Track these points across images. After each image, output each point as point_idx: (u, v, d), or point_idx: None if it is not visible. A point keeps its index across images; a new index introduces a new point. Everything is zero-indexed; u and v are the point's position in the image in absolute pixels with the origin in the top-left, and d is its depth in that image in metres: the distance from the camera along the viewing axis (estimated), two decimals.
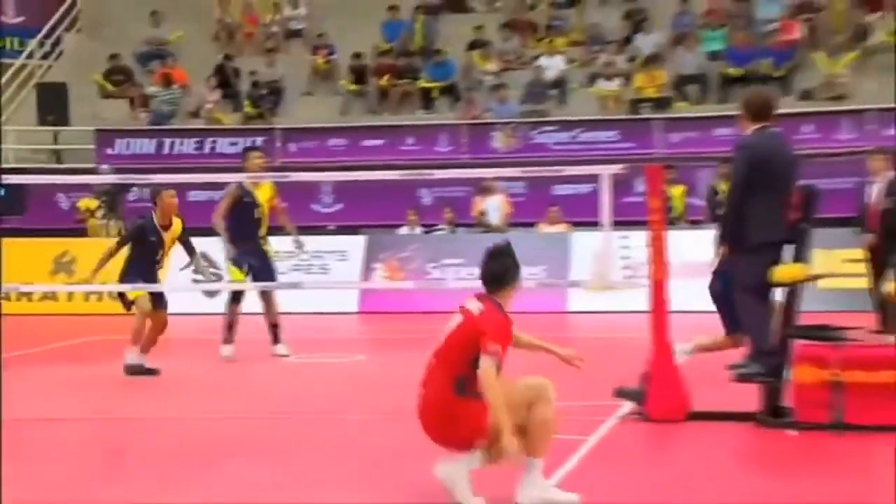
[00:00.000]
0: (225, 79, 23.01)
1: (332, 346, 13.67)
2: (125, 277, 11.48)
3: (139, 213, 19.40)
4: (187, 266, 12.08)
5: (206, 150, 20.89)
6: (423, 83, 22.64)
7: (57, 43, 24.64)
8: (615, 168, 9.52)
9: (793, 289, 8.46)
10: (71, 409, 9.75)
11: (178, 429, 9.02)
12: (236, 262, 12.13)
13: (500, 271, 6.72)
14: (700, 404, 8.63)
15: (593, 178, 17.96)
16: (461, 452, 6.43)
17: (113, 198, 19.31)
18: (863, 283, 12.92)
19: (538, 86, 21.95)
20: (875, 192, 12.65)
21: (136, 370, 11.27)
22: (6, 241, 18.12)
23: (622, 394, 8.94)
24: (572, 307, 16.44)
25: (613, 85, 21.83)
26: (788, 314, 8.48)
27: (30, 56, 24.07)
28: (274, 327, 12.35)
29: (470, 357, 6.46)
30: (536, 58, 22.56)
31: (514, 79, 22.36)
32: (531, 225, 18.70)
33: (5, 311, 16.11)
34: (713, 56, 22.03)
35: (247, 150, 13.18)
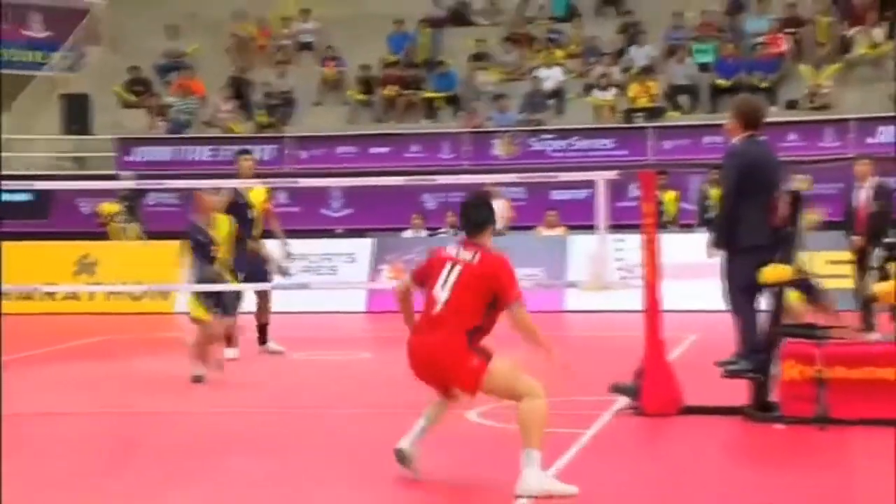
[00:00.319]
0: (239, 90, 23.05)
1: (340, 345, 13.69)
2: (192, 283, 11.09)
3: (158, 217, 19.60)
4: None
5: (220, 157, 20.89)
6: (427, 93, 22.67)
7: (80, 56, 24.63)
8: (610, 174, 9.58)
9: (780, 289, 8.48)
10: (85, 404, 9.74)
11: (187, 423, 9.01)
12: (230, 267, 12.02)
13: (481, 217, 6.79)
14: (692, 399, 8.63)
15: (589, 184, 18.00)
16: (450, 397, 6.71)
17: (132, 202, 19.34)
18: (848, 283, 12.92)
19: (537, 96, 22.00)
20: (862, 196, 12.66)
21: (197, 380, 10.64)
22: (31, 244, 18.17)
23: (617, 389, 8.95)
24: (569, 307, 16.46)
25: (608, 95, 21.85)
26: (776, 313, 8.49)
27: (54, 69, 24.05)
28: (263, 327, 12.25)
29: (483, 305, 6.55)
30: (535, 69, 22.60)
31: (513, 89, 22.40)
32: (530, 228, 18.73)
33: (30, 311, 16.18)
34: (703, 68, 22.05)
35: (238, 153, 13.01)
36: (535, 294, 16.14)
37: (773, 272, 8.30)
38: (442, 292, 6.56)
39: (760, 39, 22.14)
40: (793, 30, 22.10)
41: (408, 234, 18.80)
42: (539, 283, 16.04)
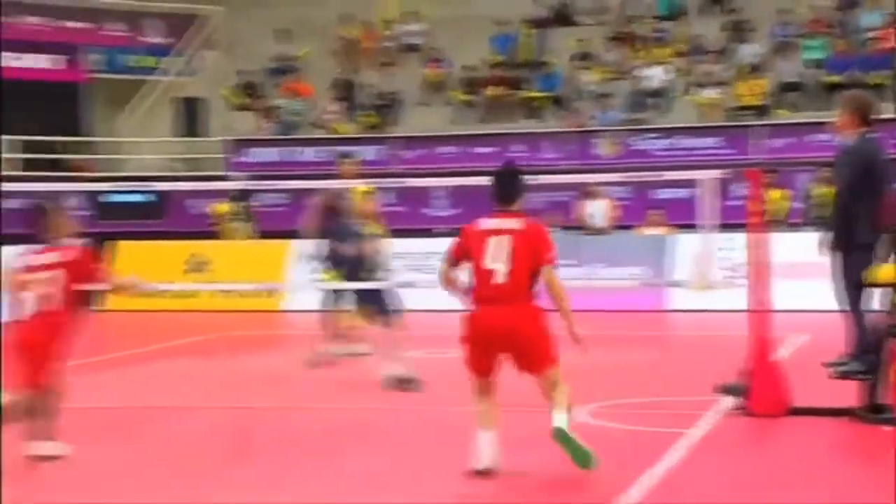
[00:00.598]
0: (345, 91, 23.18)
1: (446, 343, 13.56)
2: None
3: (267, 216, 19.78)
4: None
5: (327, 158, 20.98)
6: (530, 93, 22.54)
7: (192, 61, 24.98)
8: (716, 173, 9.38)
9: (894, 289, 8.18)
10: (198, 399, 9.81)
11: (299, 418, 9.02)
12: (330, 266, 11.99)
13: (516, 188, 7.07)
14: (800, 400, 8.37)
15: (693, 183, 17.74)
16: (544, 368, 6.73)
17: (242, 203, 19.54)
18: None
19: (640, 95, 21.73)
20: None
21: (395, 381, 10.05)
22: (146, 243, 18.45)
23: (724, 389, 8.73)
24: (672, 306, 16.14)
25: (714, 93, 21.48)
26: (888, 313, 8.20)
27: (169, 73, 24.43)
28: (350, 330, 11.89)
29: (535, 270, 6.71)
30: (639, 68, 22.31)
31: (617, 88, 22.15)
32: (633, 227, 18.46)
33: (142, 308, 16.40)
34: (813, 64, 21.52)
35: (341, 156, 12.95)
36: (637, 293, 15.93)
37: (886, 272, 8.02)
38: (496, 264, 6.63)
39: (872, 35, 21.53)
40: None
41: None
42: (641, 282, 15.79)
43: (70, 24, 24.20)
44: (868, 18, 22.02)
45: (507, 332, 6.61)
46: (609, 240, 18.10)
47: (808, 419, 8.24)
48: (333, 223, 11.82)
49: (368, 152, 21.17)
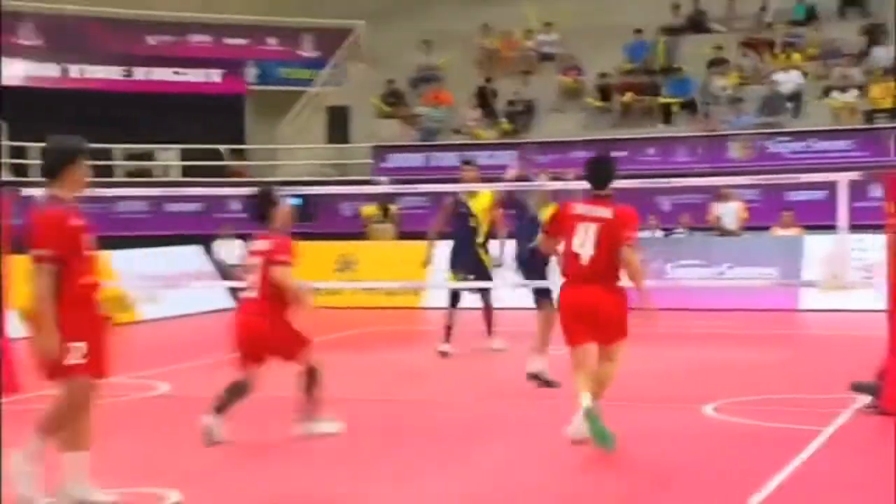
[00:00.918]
0: (484, 99, 23.21)
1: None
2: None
3: (410, 219, 19.91)
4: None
5: None
6: (663, 99, 22.22)
7: (342, 72, 25.31)
8: (852, 175, 9.15)
9: None
10: (350, 391, 9.88)
11: (440, 410, 9.05)
12: (453, 268, 11.96)
13: (607, 173, 7.51)
14: None
15: (826, 185, 17.30)
16: (616, 340, 7.27)
17: (387, 206, 19.70)
18: None
19: (774, 99, 21.21)
20: None
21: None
22: (300, 244, 18.71)
23: (858, 388, 8.46)
24: (804, 306, 15.71)
25: (849, 96, 20.84)
26: None
27: (320, 84, 24.79)
28: (489, 324, 12.06)
29: (619, 252, 7.17)
30: (773, 73, 21.80)
31: (750, 93, 21.67)
32: (765, 229, 18.05)
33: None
34: None
35: (463, 163, 12.90)
36: (770, 293, 15.56)
37: None
38: (583, 248, 7.16)
39: None
40: None
41: (644, 234, 18.42)
42: (774, 282, 15.42)
43: (231, 40, 24.77)
44: None
45: (590, 307, 7.16)
46: (742, 240, 17.77)
47: None
48: (459, 228, 11.77)
49: (505, 156, 21.16)
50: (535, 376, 9.43)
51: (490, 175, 17.66)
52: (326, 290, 17.57)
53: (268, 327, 7.63)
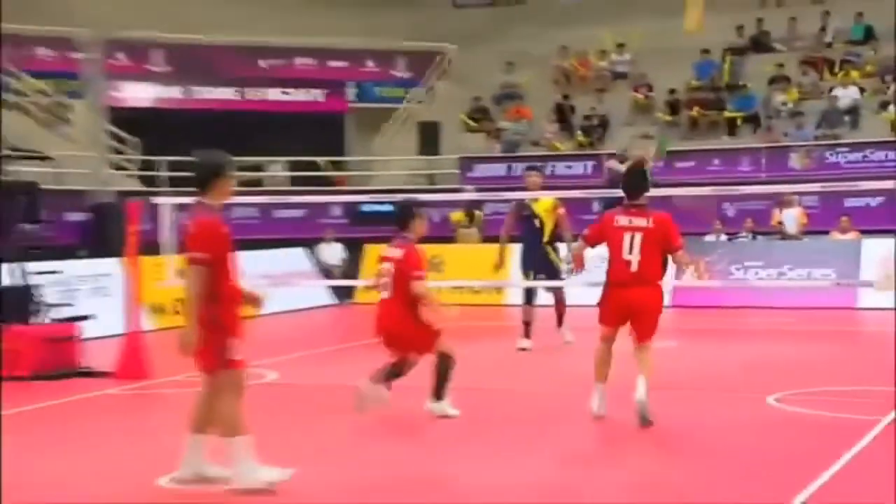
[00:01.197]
0: (562, 114, 23.15)
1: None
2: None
3: (494, 224, 19.89)
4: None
5: (547, 172, 20.93)
6: (728, 113, 22.00)
7: (432, 91, 25.43)
8: None
9: None
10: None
11: (518, 399, 9.01)
12: (524, 268, 11.87)
13: (640, 184, 7.65)
14: None
15: (882, 192, 16.94)
16: (648, 337, 7.62)
17: (473, 212, 19.72)
18: None
19: (833, 113, 20.86)
20: None
21: None
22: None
23: None
24: (862, 304, 15.38)
25: None
26: None
27: (412, 101, 24.94)
28: (560, 318, 11.85)
29: (664, 256, 7.65)
30: (831, 89, 21.42)
31: (810, 107, 21.35)
32: (824, 233, 17.74)
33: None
34: None
35: (527, 169, 12.79)
36: (830, 292, 15.28)
37: None
38: (631, 255, 7.48)
39: None
40: None
41: (710, 237, 18.25)
42: (833, 282, 15.12)
43: (333, 63, 25.03)
44: None
45: (634, 308, 7.55)
46: (802, 244, 17.50)
47: None
48: (526, 229, 11.68)
49: (581, 167, 21.12)
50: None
51: (566, 184, 17.75)
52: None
53: (402, 326, 7.84)
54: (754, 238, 18.41)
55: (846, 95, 21.09)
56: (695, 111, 22.09)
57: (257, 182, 23.57)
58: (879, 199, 17.08)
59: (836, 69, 22.30)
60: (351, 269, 18.43)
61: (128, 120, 21.24)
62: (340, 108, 24.31)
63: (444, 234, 20.01)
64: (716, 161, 20.58)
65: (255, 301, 6.13)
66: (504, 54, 25.00)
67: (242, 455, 5.80)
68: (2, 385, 8.39)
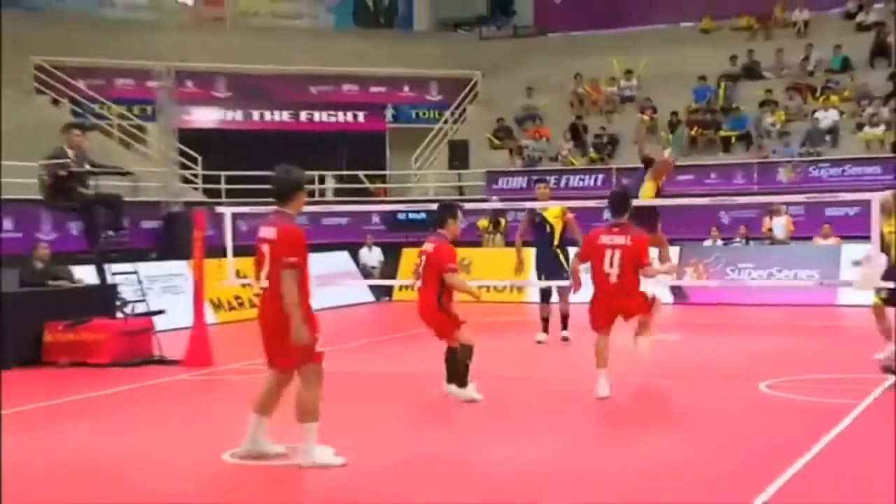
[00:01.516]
0: (576, 133, 23.04)
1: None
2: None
3: (516, 231, 19.83)
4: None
5: (562, 184, 20.94)
6: (723, 133, 21.83)
7: (462, 113, 25.43)
8: (884, 194, 8.81)
9: None
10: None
11: (534, 386, 8.97)
12: (537, 269, 11.65)
13: (622, 205, 7.90)
14: None
15: (859, 203, 16.76)
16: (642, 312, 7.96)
17: (497, 219, 19.70)
18: None
19: (815, 133, 20.67)
20: None
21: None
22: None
23: (888, 369, 8.18)
24: (841, 302, 15.23)
25: (878, 131, 20.19)
26: None
27: (444, 122, 24.96)
28: (564, 317, 11.56)
29: (638, 269, 7.86)
30: (814, 112, 21.24)
31: (795, 128, 21.17)
32: (808, 239, 17.59)
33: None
34: None
35: (537, 181, 12.67)
36: (813, 291, 15.14)
37: None
38: (612, 269, 7.71)
39: None
40: None
41: (707, 243, 18.12)
42: (816, 282, 14.96)
43: (374, 89, 25.08)
44: None
45: (619, 312, 7.90)
46: (789, 248, 17.37)
47: None
48: (538, 235, 11.59)
49: (593, 180, 21.03)
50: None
51: (580, 195, 17.68)
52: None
53: (430, 313, 7.86)
54: (747, 243, 18.27)
55: (827, 118, 20.97)
56: (694, 131, 21.95)
57: (308, 193, 23.65)
58: (857, 209, 16.87)
59: (818, 94, 22.15)
60: (389, 270, 18.45)
61: (194, 140, 21.40)
62: (380, 128, 24.34)
63: (471, 239, 20.01)
64: (713, 175, 20.43)
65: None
66: (525, 81, 24.96)
67: (312, 438, 5.80)
68: (2, 384, 8.36)
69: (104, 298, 10.84)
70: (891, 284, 8.76)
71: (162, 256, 16.35)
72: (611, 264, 7.71)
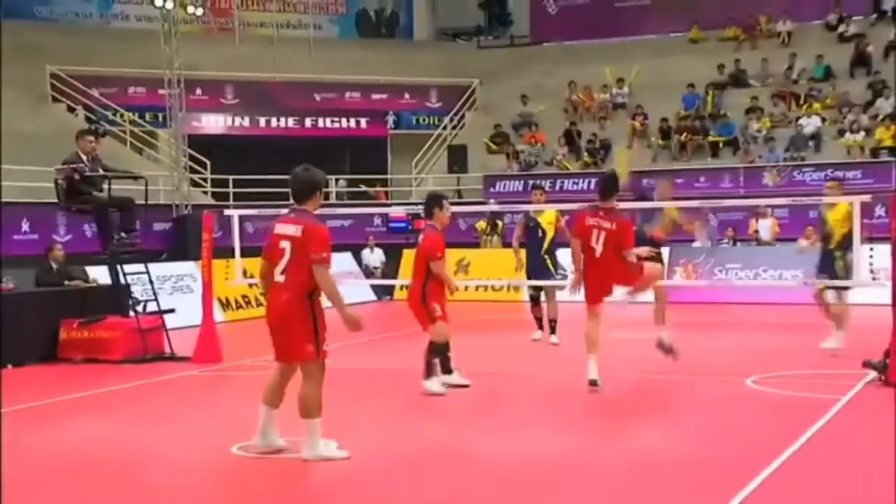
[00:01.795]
0: (570, 138, 23.04)
1: (640, 327, 13.26)
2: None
3: (512, 232, 19.82)
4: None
5: (557, 187, 20.94)
6: (711, 138, 21.82)
7: (461, 119, 25.42)
8: (864, 198, 8.86)
9: None
10: (461, 364, 9.91)
11: (534, 382, 8.96)
12: (528, 271, 11.58)
13: (610, 187, 8.07)
14: None
15: None
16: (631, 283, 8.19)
17: (495, 221, 19.69)
18: None
19: (799, 139, 20.68)
20: None
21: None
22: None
23: (869, 365, 8.18)
24: (826, 301, 15.17)
25: (858, 137, 20.23)
26: None
27: (443, 128, 24.96)
28: (552, 322, 11.43)
29: (620, 250, 7.92)
30: (798, 118, 21.25)
31: (780, 134, 21.19)
32: (793, 240, 17.55)
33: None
34: None
35: (533, 187, 12.60)
36: (797, 290, 15.11)
37: None
38: (598, 246, 7.92)
39: None
40: None
41: (696, 244, 18.10)
42: (800, 281, 14.95)
43: (376, 96, 25.07)
44: None
45: (609, 278, 8.00)
46: (775, 249, 17.37)
47: None
48: (531, 238, 11.55)
49: (587, 183, 21.02)
50: (660, 345, 9.12)
51: (574, 197, 17.69)
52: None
53: (414, 303, 8.02)
54: (734, 244, 18.27)
55: (810, 124, 21.01)
56: (683, 136, 21.95)
57: None
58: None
59: (802, 102, 22.19)
60: (390, 270, 18.45)
61: (203, 145, 21.39)
62: (382, 134, 24.34)
63: (469, 241, 20.00)
64: (701, 178, 20.43)
65: None
66: (521, 88, 24.94)
67: (316, 433, 5.79)
68: (2, 383, 8.34)
69: (117, 298, 10.83)
70: (825, 275, 9.82)
71: (172, 257, 16.34)
72: (596, 241, 7.93)
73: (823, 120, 21.13)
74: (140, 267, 11.10)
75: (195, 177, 21.19)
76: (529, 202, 12.12)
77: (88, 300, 11.02)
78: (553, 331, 11.43)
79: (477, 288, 17.40)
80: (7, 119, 17.26)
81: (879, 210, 15.50)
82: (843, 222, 9.81)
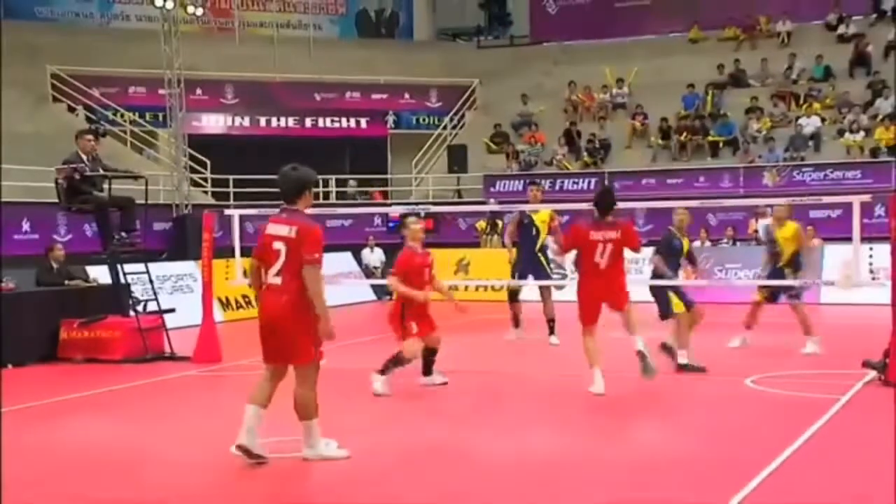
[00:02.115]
0: (570, 138, 23.03)
1: (640, 327, 13.23)
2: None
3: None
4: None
5: (557, 187, 20.95)
6: (711, 138, 21.81)
7: (461, 119, 25.42)
8: (864, 198, 8.86)
9: None
10: (461, 364, 9.91)
11: (534, 382, 8.95)
12: (520, 271, 11.49)
13: (611, 201, 8.08)
14: None
15: (841, 206, 16.78)
16: (623, 306, 8.04)
17: (494, 221, 19.69)
18: None
19: (799, 139, 20.67)
20: None
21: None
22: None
23: (868, 364, 8.18)
24: (825, 300, 15.23)
25: (858, 137, 20.23)
26: None
27: (443, 128, 24.96)
28: (550, 322, 11.38)
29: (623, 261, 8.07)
30: (797, 118, 21.25)
31: (779, 134, 21.18)
32: None
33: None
34: None
35: (529, 184, 12.59)
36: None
37: None
38: (602, 259, 7.91)
39: None
40: None
41: (696, 244, 18.10)
42: (801, 281, 14.92)
43: (376, 96, 25.06)
44: None
45: (605, 295, 7.96)
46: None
47: None
48: (525, 235, 11.52)
49: (587, 183, 21.03)
50: (663, 346, 9.06)
51: (573, 197, 17.68)
52: (449, 287, 17.64)
53: (390, 320, 8.38)
54: (734, 244, 18.28)
55: (809, 124, 21.00)
56: (683, 136, 21.94)
57: (315, 196, 23.60)
58: (839, 212, 16.91)
59: (801, 102, 22.18)
60: (389, 270, 18.42)
61: (203, 144, 21.38)
62: (382, 134, 24.33)
63: (470, 240, 20.00)
64: (701, 178, 20.44)
65: None
66: (521, 88, 24.94)
67: (315, 433, 5.77)
68: (2, 383, 8.34)
69: (117, 297, 10.83)
70: (773, 283, 10.10)
71: (172, 257, 16.34)
72: (601, 256, 7.93)
73: (823, 120, 21.13)
74: (140, 267, 11.09)
75: (195, 176, 21.18)
76: (528, 201, 12.08)
77: (89, 300, 11.02)
78: (552, 331, 11.40)
79: (477, 288, 17.39)
80: (7, 119, 17.26)
81: (879, 210, 15.50)
82: (792, 241, 9.98)
